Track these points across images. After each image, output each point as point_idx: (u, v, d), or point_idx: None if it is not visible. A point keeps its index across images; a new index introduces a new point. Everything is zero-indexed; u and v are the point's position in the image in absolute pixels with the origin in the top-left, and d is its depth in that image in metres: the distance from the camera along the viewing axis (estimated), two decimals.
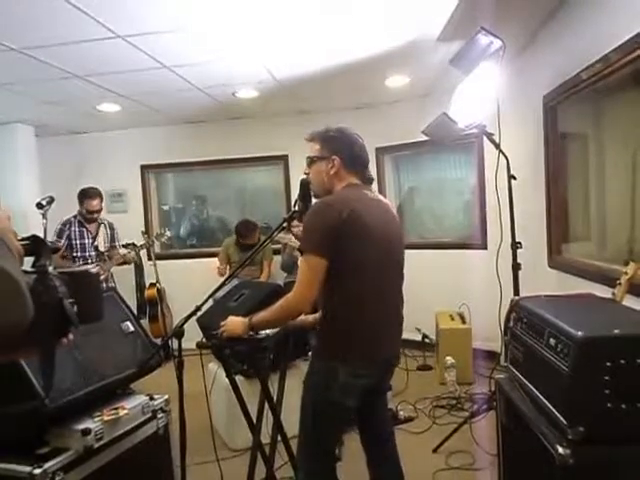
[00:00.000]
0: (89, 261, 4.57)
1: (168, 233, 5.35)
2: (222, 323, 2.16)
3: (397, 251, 2.09)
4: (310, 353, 2.20)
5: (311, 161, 2.12)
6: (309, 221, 1.94)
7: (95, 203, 4.61)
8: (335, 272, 1.87)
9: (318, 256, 1.85)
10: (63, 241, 4.48)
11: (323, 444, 2.03)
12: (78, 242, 4.56)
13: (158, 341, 4.72)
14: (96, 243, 4.66)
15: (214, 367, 3.47)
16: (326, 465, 2.04)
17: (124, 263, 4.81)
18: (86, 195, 4.62)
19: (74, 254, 4.52)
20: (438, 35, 3.40)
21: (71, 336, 0.88)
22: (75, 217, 4.65)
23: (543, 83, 3.36)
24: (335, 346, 1.95)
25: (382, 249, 1.97)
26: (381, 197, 2.18)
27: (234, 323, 2.12)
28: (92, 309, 0.90)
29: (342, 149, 2.05)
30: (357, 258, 1.89)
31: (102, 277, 4.49)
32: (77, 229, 4.58)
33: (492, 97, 3.07)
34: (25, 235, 0.89)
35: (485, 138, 3.21)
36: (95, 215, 4.66)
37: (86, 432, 2.12)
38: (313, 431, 2.01)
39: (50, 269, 0.86)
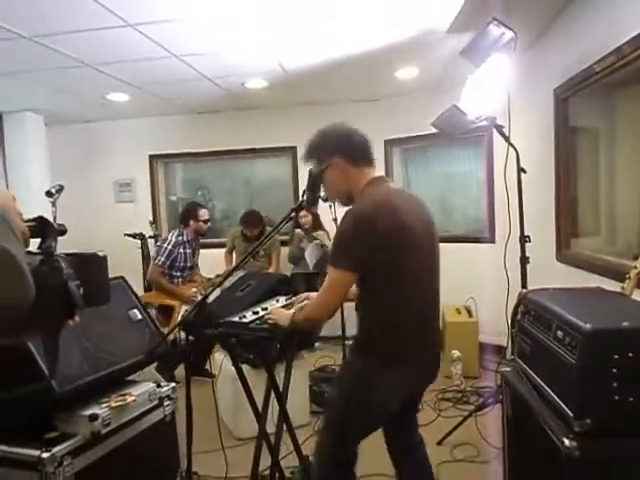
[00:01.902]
0: (186, 280, 4.55)
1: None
2: (268, 313, 2.17)
3: (436, 247, 2.01)
4: (348, 352, 2.10)
5: (319, 180, 2.02)
6: (341, 234, 1.85)
7: (206, 211, 4.58)
8: (378, 278, 1.81)
9: (346, 271, 1.79)
10: (169, 262, 4.40)
11: (348, 442, 1.97)
12: (181, 264, 4.49)
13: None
14: (194, 261, 4.62)
15: (220, 357, 3.49)
16: (345, 460, 1.99)
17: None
18: (198, 205, 4.58)
19: (172, 272, 4.47)
20: (449, 26, 3.37)
21: (77, 318, 0.88)
22: (180, 235, 4.50)
23: (554, 76, 3.33)
24: (381, 350, 1.86)
25: (424, 249, 1.91)
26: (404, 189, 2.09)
27: (281, 314, 2.12)
28: (98, 292, 0.90)
29: (336, 147, 1.95)
30: (401, 263, 1.82)
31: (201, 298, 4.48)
32: (183, 251, 4.47)
33: (502, 89, 3.04)
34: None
35: (495, 131, 3.19)
36: (209, 224, 4.60)
37: (93, 418, 2.14)
38: (341, 428, 1.95)
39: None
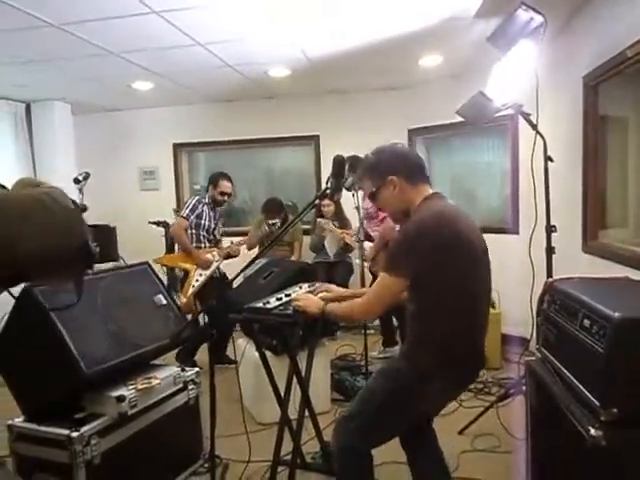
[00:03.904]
0: (212, 244, 4.58)
1: None
2: (296, 299, 2.18)
3: (487, 261, 1.99)
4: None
5: (373, 197, 2.04)
6: (401, 242, 1.85)
7: (230, 185, 4.58)
8: (436, 287, 1.81)
9: (398, 277, 1.80)
10: (192, 217, 4.44)
11: (375, 437, 1.96)
12: (206, 222, 4.52)
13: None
14: (216, 230, 4.65)
15: (243, 343, 3.52)
16: (368, 449, 1.97)
17: (228, 257, 4.64)
18: (223, 177, 4.57)
19: (200, 232, 4.50)
20: (476, 11, 3.31)
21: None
22: (203, 198, 4.58)
23: (584, 62, 3.25)
24: (435, 359, 1.83)
25: (481, 262, 1.91)
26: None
27: (311, 300, 2.13)
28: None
29: (392, 166, 1.96)
30: (458, 273, 1.82)
31: (216, 264, 4.50)
32: (207, 210, 4.52)
33: (530, 77, 2.99)
34: None
35: (520, 120, 3.14)
36: (226, 198, 4.61)
37: (121, 399, 2.20)
38: (373, 423, 1.91)
39: None
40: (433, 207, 1.92)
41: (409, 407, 1.88)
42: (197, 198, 4.56)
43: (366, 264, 4.22)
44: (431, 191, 2.00)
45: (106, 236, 4.25)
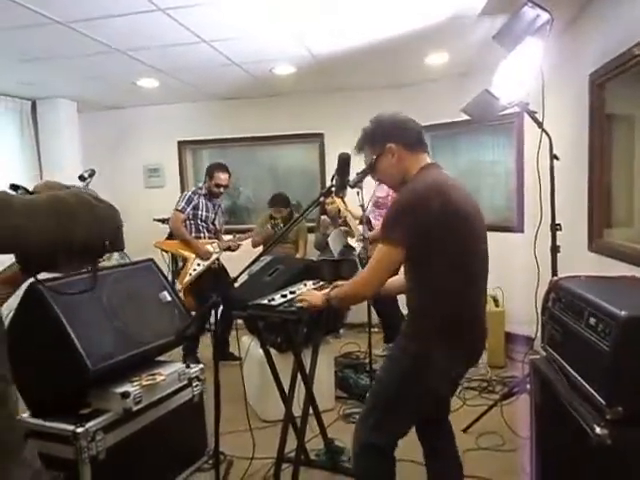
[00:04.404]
0: (211, 235, 4.59)
1: None
2: (299, 296, 2.18)
3: (485, 237, 1.97)
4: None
5: (372, 167, 2.01)
6: (395, 210, 1.84)
7: (225, 177, 4.56)
8: (431, 259, 1.80)
9: (395, 247, 1.78)
10: (189, 209, 4.45)
11: (396, 424, 1.94)
12: (204, 213, 4.53)
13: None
14: (216, 221, 4.66)
15: (247, 340, 3.53)
16: (389, 442, 1.96)
17: (228, 249, 4.68)
18: (218, 168, 4.56)
19: (198, 223, 4.51)
20: (482, 8, 3.30)
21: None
22: (200, 189, 4.59)
23: (590, 60, 3.24)
24: (435, 333, 1.83)
25: (477, 233, 1.90)
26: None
27: (314, 295, 2.13)
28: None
29: (391, 134, 1.95)
30: (456, 248, 1.81)
31: (216, 256, 4.52)
32: (204, 201, 4.53)
33: (536, 75, 2.98)
34: None
35: (526, 117, 3.13)
36: (222, 190, 4.60)
37: (125, 395, 2.21)
38: (388, 413, 1.91)
39: None
40: (427, 177, 1.90)
41: (417, 393, 1.86)
42: (192, 190, 4.59)
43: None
44: (429, 161, 1.99)
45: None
